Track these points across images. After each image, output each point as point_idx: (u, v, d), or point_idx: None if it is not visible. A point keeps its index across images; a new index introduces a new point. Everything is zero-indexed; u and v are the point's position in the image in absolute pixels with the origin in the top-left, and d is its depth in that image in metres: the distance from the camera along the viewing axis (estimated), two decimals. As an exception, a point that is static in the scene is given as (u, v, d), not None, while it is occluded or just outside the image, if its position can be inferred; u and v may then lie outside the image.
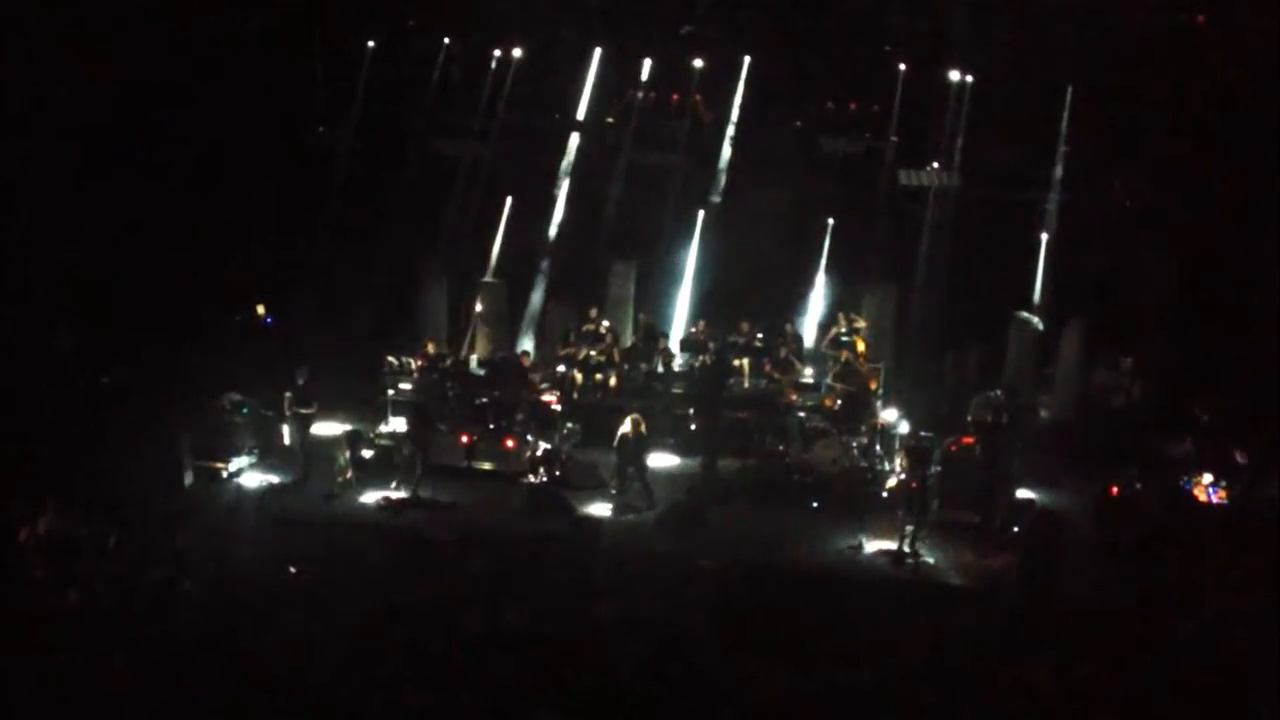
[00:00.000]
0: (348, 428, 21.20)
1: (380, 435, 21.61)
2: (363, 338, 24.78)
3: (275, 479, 20.03)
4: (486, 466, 20.92)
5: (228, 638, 13.28)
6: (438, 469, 20.11)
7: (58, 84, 22.95)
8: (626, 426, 19.88)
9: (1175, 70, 24.69)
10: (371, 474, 20.26)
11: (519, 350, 24.71)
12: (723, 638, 14.15)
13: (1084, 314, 24.94)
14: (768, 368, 23.69)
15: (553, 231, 27.15)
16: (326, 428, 21.27)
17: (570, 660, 13.13)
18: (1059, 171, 26.11)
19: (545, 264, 26.92)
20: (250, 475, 20.10)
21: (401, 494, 19.43)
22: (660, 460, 21.55)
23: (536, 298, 26.74)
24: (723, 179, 27.25)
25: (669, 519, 18.83)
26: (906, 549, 17.78)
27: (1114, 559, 17.73)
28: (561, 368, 24.11)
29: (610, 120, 28.07)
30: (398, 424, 21.93)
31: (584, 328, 24.61)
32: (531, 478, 20.35)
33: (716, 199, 27.16)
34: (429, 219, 27.16)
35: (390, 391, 22.60)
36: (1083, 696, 13.06)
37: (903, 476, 19.08)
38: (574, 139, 27.71)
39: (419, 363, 23.13)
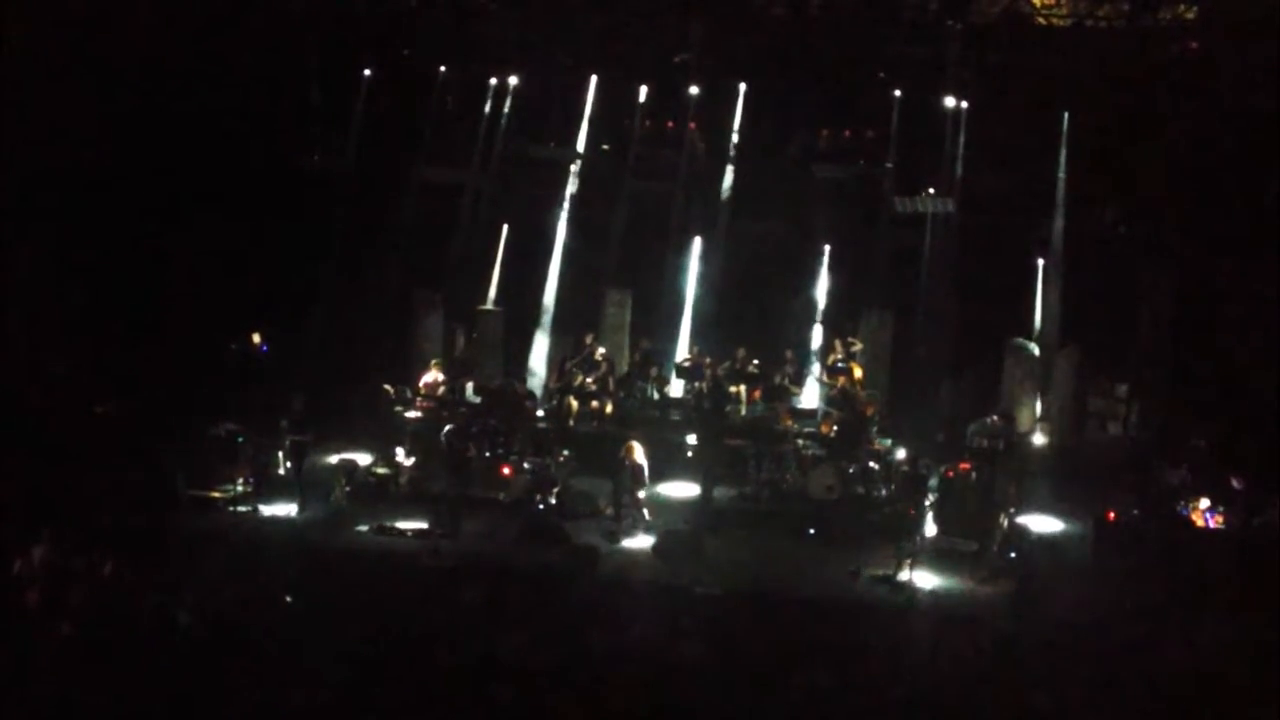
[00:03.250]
0: (345, 456, 21.22)
1: (378, 464, 21.59)
2: (360, 366, 24.76)
3: (270, 508, 19.97)
4: (482, 494, 20.87)
5: (223, 667, 13.24)
6: (433, 496, 20.10)
7: (55, 115, 23.05)
8: (624, 453, 19.88)
9: (1171, 97, 24.74)
10: (367, 503, 20.24)
11: (515, 378, 24.72)
12: (720, 666, 14.10)
13: (1080, 340, 24.97)
14: (758, 394, 23.70)
15: (549, 260, 27.14)
16: (325, 456, 21.26)
17: (566, 688, 13.08)
18: (1056, 198, 26.11)
19: (542, 292, 26.92)
20: (245, 504, 20.03)
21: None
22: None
23: (533, 326, 26.74)
24: (719, 206, 27.27)
25: (666, 547, 18.79)
26: (903, 576, 17.71)
27: (1112, 585, 17.69)
28: (557, 395, 24.16)
29: (605, 148, 28.10)
30: (399, 453, 21.93)
31: (580, 355, 24.63)
32: (528, 505, 20.32)
33: (713, 226, 27.16)
34: (426, 248, 27.15)
35: (397, 420, 22.61)
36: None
37: (899, 503, 19.06)
38: (571, 167, 27.74)
39: (423, 390, 23.12)
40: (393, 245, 27.02)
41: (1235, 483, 19.47)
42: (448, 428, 21.32)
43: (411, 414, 22.61)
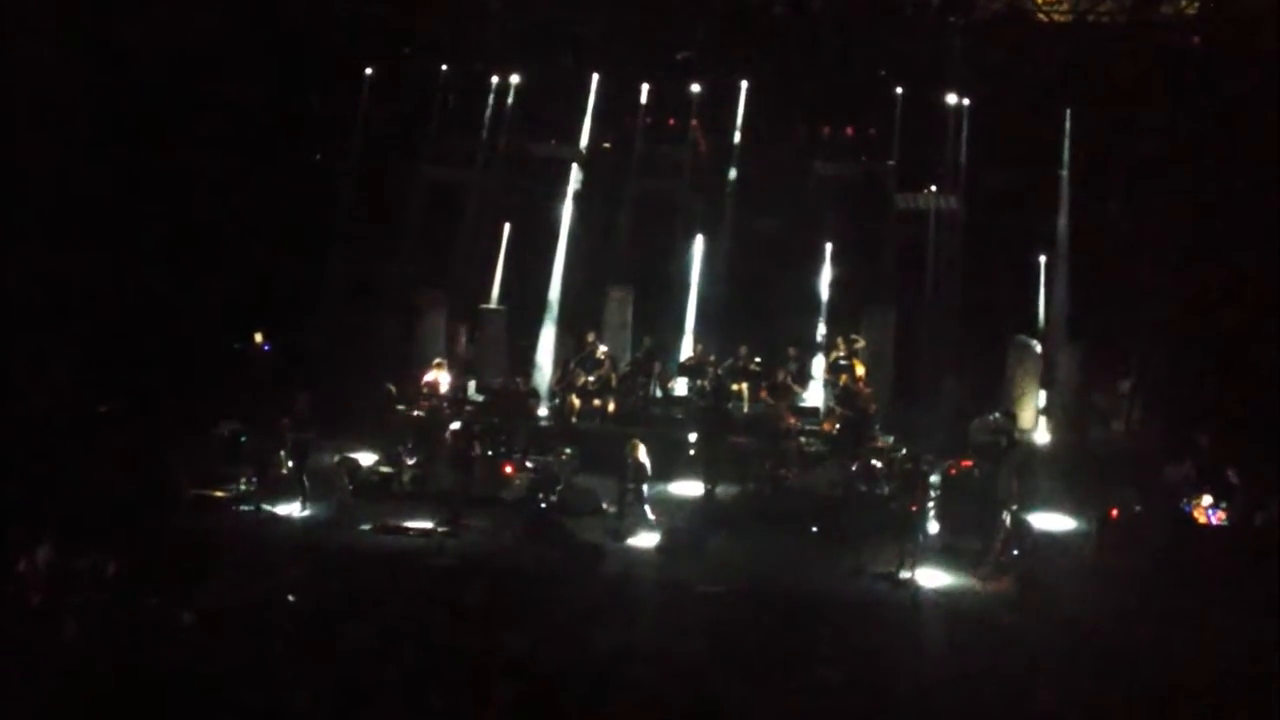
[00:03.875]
0: (347, 455, 21.23)
1: (381, 462, 21.60)
2: (363, 364, 24.77)
3: (274, 506, 19.98)
4: (485, 493, 20.87)
5: (227, 666, 13.25)
6: (438, 495, 20.12)
7: (57, 115, 23.06)
8: (627, 451, 19.89)
9: (1173, 92, 24.73)
10: (370, 502, 20.26)
11: (519, 376, 24.73)
12: (723, 663, 14.11)
13: (1083, 337, 24.96)
14: (764, 393, 23.70)
15: (553, 258, 27.13)
16: (328, 455, 21.26)
17: (569, 686, 13.09)
18: (1058, 194, 26.10)
19: (546, 290, 26.92)
20: (248, 503, 20.04)
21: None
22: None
23: (537, 324, 26.73)
24: (722, 203, 27.26)
25: (669, 545, 18.79)
26: (906, 573, 17.71)
27: (1115, 582, 17.68)
28: (559, 394, 24.18)
29: (608, 145, 28.10)
30: (403, 452, 21.90)
31: (581, 353, 24.63)
32: (531, 503, 20.33)
33: (715, 223, 27.15)
34: (429, 246, 27.16)
35: (400, 419, 22.62)
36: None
37: (902, 500, 19.05)
38: (574, 165, 27.73)
39: (425, 388, 23.12)
40: (396, 244, 27.02)
41: (1233, 479, 19.46)
42: (453, 426, 21.32)
43: (415, 413, 22.61)
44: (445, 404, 22.82)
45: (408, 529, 19.17)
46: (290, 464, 20.74)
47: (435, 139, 27.68)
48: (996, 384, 24.82)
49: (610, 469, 20.51)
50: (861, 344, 24.38)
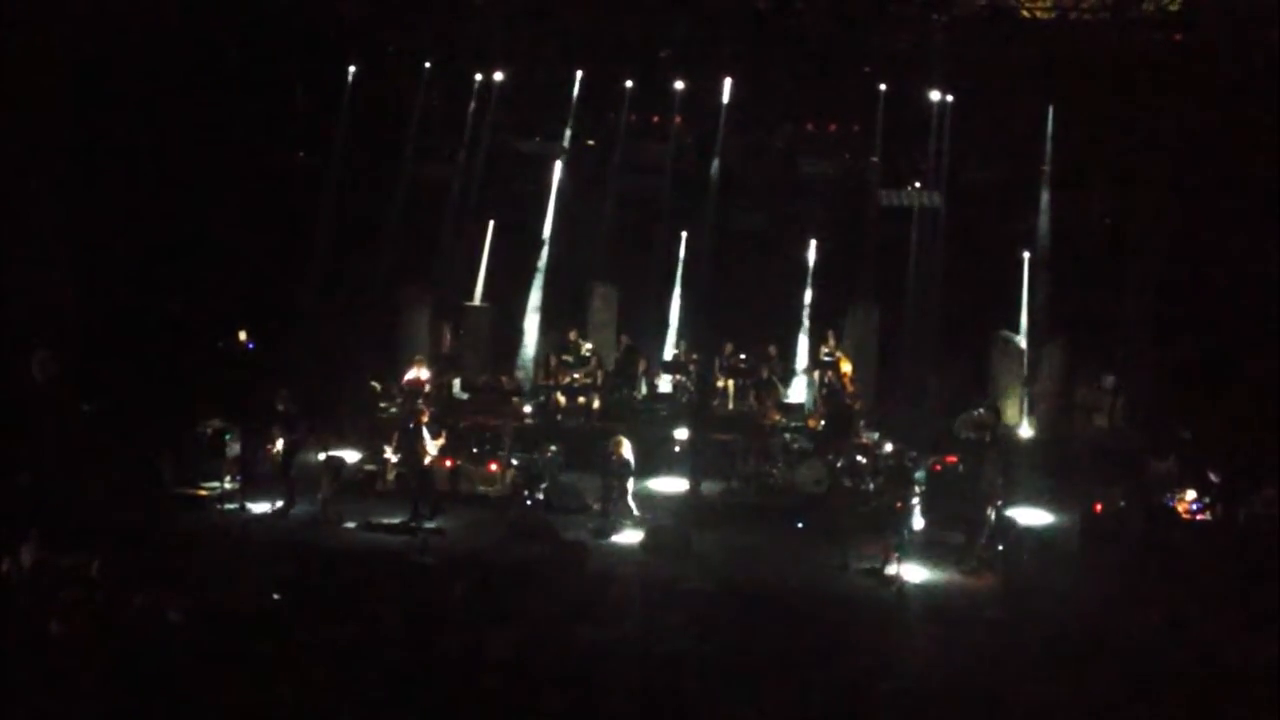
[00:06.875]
0: (332, 453, 21.18)
1: (365, 460, 21.56)
2: (348, 362, 24.73)
3: (259, 505, 19.93)
4: (470, 491, 20.85)
5: (212, 665, 13.22)
6: (410, 492, 20.12)
7: (39, 116, 22.95)
8: (612, 449, 19.90)
9: (1156, 88, 24.80)
10: (354, 500, 20.23)
11: (503, 373, 24.72)
12: (709, 660, 14.12)
13: (1066, 332, 25.02)
14: (752, 395, 23.74)
15: (537, 255, 27.11)
16: (312, 453, 21.21)
17: (555, 685, 13.09)
18: (1042, 191, 26.15)
19: (530, 288, 26.91)
20: (232, 501, 19.99)
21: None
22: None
23: (521, 321, 26.72)
24: (705, 200, 27.27)
25: (654, 542, 18.80)
26: (891, 569, 17.76)
27: (1098, 576, 17.75)
28: (544, 391, 24.17)
29: (591, 142, 28.09)
30: (386, 450, 21.87)
31: (566, 351, 24.62)
32: (516, 501, 20.32)
33: (699, 220, 27.16)
34: (413, 244, 27.12)
35: (381, 416, 22.58)
36: (1067, 715, 13.06)
37: (887, 496, 19.09)
38: (557, 162, 27.71)
39: (408, 386, 23.09)
40: (379, 241, 26.97)
41: (1212, 476, 19.54)
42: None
43: (396, 410, 22.59)
44: (425, 401, 22.75)
45: (391, 527, 19.15)
46: (275, 462, 20.66)
47: (419, 136, 27.62)
48: (980, 379, 24.89)
49: (595, 466, 20.50)
50: (846, 344, 24.42)
